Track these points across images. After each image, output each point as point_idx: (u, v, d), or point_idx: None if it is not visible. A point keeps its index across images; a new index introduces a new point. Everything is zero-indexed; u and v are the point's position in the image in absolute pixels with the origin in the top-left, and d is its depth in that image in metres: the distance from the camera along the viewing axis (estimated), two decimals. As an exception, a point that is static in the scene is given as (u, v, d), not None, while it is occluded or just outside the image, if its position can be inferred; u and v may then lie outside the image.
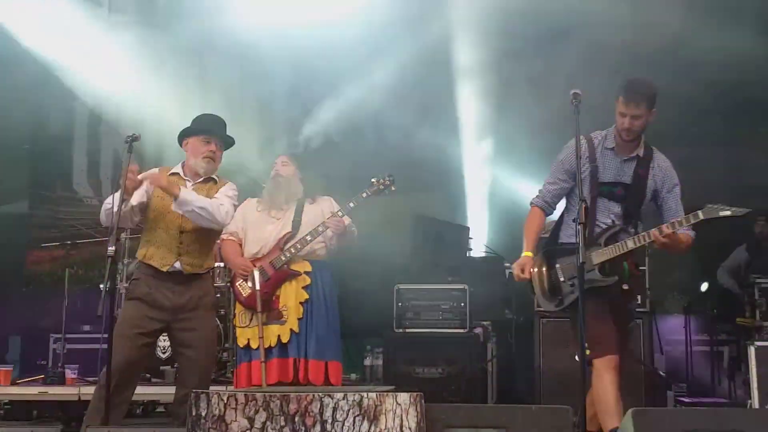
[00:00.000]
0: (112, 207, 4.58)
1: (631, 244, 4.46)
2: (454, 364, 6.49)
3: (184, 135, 5.06)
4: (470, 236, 8.06)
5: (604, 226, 4.60)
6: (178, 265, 4.84)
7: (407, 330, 6.63)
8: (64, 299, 7.71)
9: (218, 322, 7.21)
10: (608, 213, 4.63)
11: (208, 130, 5.00)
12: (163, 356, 7.10)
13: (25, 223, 9.50)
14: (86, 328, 8.30)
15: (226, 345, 7.20)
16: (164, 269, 4.82)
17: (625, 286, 4.56)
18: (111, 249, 4.80)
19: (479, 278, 7.17)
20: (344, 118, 8.28)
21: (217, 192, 5.00)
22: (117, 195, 4.60)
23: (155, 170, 4.93)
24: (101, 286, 7.55)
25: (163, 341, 7.11)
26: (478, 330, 6.80)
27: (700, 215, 4.25)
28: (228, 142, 5.14)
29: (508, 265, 7.68)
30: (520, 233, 7.34)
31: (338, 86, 8.15)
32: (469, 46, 8.50)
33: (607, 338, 4.46)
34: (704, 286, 8.03)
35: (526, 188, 8.45)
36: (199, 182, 5.01)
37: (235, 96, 9.59)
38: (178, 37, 8.74)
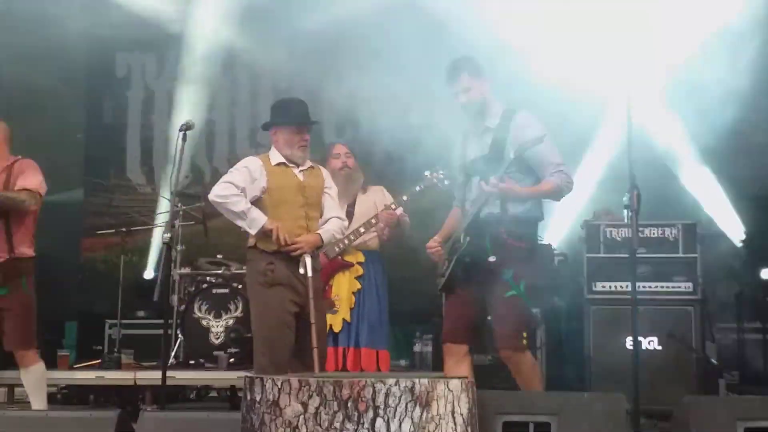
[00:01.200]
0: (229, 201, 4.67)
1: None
2: (503, 351, 6.49)
3: (273, 125, 5.01)
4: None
5: None
6: None
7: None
8: (118, 285, 7.83)
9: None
10: None
11: (302, 122, 4.96)
12: (216, 342, 7.20)
13: (80, 211, 9.68)
14: (140, 313, 8.42)
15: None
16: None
17: (492, 258, 4.50)
18: (166, 236, 4.92)
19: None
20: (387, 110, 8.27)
21: (323, 178, 5.03)
22: (221, 188, 4.66)
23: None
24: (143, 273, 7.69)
25: (216, 326, 7.23)
26: (528, 317, 6.77)
27: None
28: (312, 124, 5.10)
29: (557, 251, 7.67)
30: (572, 221, 7.34)
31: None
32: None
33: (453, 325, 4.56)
34: (765, 273, 7.90)
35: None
36: (304, 169, 5.00)
37: (283, 83, 9.68)
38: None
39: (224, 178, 4.83)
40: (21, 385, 6.61)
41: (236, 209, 4.72)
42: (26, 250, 5.52)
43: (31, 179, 5.49)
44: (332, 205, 5.01)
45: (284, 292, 4.74)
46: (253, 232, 4.72)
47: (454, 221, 4.84)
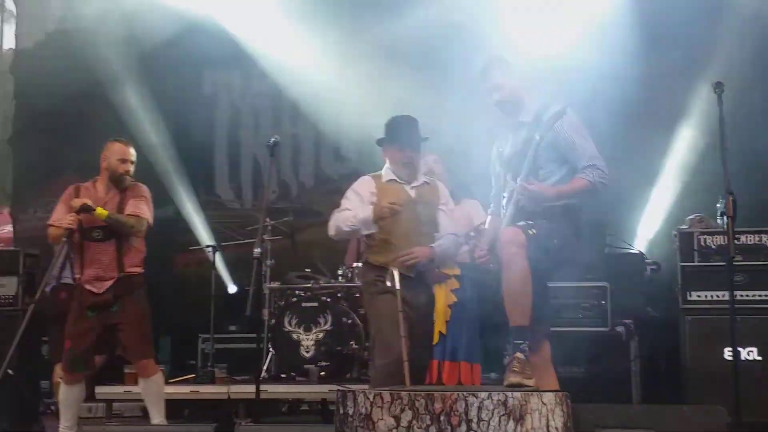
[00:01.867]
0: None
1: None
2: (596, 363, 6.39)
3: (379, 143, 5.14)
4: (608, 232, 7.91)
5: None
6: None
7: (547, 328, 6.56)
8: (210, 300, 7.95)
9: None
10: None
11: (400, 140, 5.02)
12: (307, 355, 7.25)
13: (172, 227, 9.88)
14: (232, 328, 8.54)
15: (367, 344, 7.29)
16: (411, 273, 4.86)
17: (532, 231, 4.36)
18: (257, 251, 4.99)
19: (619, 275, 7.02)
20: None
21: (438, 195, 5.09)
22: (333, 219, 4.81)
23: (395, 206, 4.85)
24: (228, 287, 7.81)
25: (306, 340, 7.28)
26: (620, 328, 6.66)
27: None
28: (423, 140, 5.11)
29: (648, 261, 7.51)
30: (660, 228, 7.16)
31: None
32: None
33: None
34: None
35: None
36: (417, 185, 5.07)
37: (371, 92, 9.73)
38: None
39: (339, 209, 4.97)
40: (119, 400, 6.79)
41: (348, 227, 4.84)
42: (136, 269, 5.70)
43: (143, 207, 5.66)
44: (447, 222, 5.06)
45: (394, 300, 4.75)
46: (370, 229, 4.82)
47: (492, 229, 4.76)
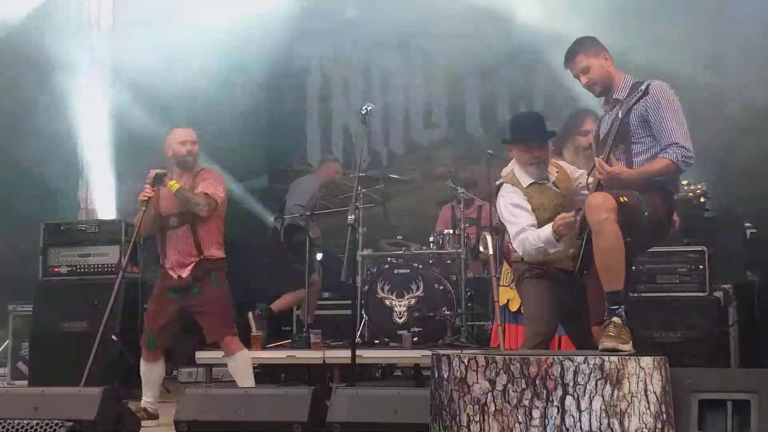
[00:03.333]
0: None
1: None
2: (693, 328, 6.28)
3: (505, 143, 4.96)
4: (707, 196, 7.74)
5: None
6: None
7: (642, 294, 6.49)
8: (304, 268, 8.07)
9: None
10: None
11: (524, 139, 4.82)
12: (400, 321, 7.32)
13: (266, 197, 10.05)
14: (326, 294, 8.66)
15: (458, 310, 7.31)
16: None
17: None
18: (351, 218, 5.05)
19: (718, 239, 6.88)
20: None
21: (568, 174, 4.91)
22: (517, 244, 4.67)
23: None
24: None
25: (399, 306, 7.35)
26: (719, 293, 6.54)
27: None
28: (549, 136, 4.92)
29: (748, 225, 7.34)
30: (760, 193, 6.97)
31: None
32: None
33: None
34: None
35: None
36: (554, 179, 4.89)
37: (456, 63, 9.70)
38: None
39: (513, 230, 4.72)
40: (218, 365, 6.98)
41: (536, 251, 4.61)
42: (215, 252, 5.79)
43: (212, 187, 5.74)
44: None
45: (546, 281, 4.71)
46: (557, 247, 4.54)
47: None
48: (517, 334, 5.54)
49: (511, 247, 4.81)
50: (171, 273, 5.75)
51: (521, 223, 4.67)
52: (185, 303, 5.73)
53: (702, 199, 5.94)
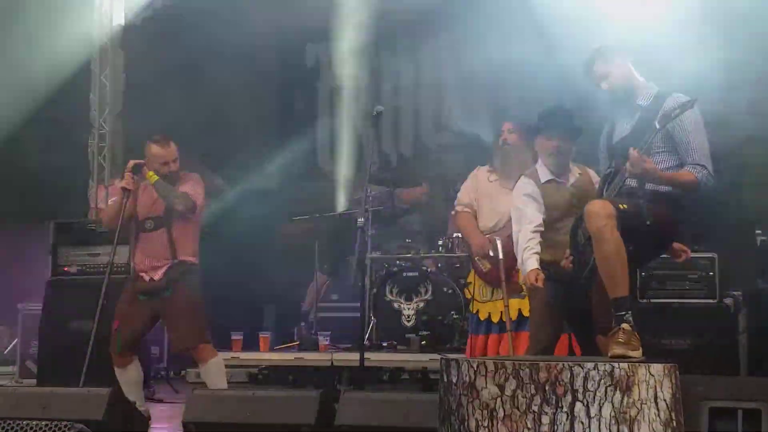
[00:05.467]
0: None
1: None
2: (702, 335, 6.27)
3: (532, 135, 5.03)
4: (717, 202, 7.72)
5: None
6: None
7: (652, 300, 6.47)
8: (314, 269, 8.08)
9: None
10: None
11: (548, 127, 4.89)
12: (408, 324, 7.32)
13: (276, 199, 10.04)
14: (334, 297, 8.66)
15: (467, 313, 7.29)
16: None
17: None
18: (360, 220, 5.05)
19: (728, 246, 6.85)
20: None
21: (593, 182, 4.90)
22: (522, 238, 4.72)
23: None
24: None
25: (407, 309, 7.34)
26: (729, 300, 6.52)
27: None
28: (575, 133, 4.95)
29: (759, 232, 7.31)
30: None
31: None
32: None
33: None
34: None
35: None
36: (573, 182, 4.92)
37: (467, 65, 9.70)
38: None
39: (519, 224, 4.80)
40: (227, 366, 6.97)
41: (518, 246, 4.72)
42: (189, 257, 5.70)
43: (190, 187, 5.67)
44: None
45: (551, 287, 4.72)
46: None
47: None
48: (499, 343, 5.51)
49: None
50: (143, 276, 5.64)
51: (527, 215, 4.75)
52: (156, 307, 5.63)
53: None
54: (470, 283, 5.70)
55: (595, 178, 4.92)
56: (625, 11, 7.65)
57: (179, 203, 5.55)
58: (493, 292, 5.47)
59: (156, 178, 5.56)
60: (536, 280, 4.61)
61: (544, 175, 4.87)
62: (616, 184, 4.34)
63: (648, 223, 4.18)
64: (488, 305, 5.50)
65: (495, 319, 5.43)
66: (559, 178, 4.86)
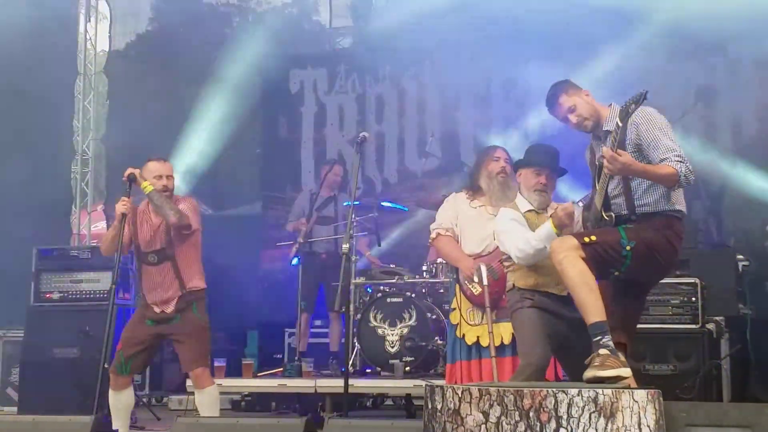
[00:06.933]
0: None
1: None
2: (686, 361, 6.28)
3: (517, 166, 5.04)
4: (698, 228, 7.77)
5: None
6: None
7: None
8: (297, 296, 8.06)
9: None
10: None
11: (539, 163, 4.90)
12: (392, 350, 7.30)
13: (259, 224, 10.04)
14: (317, 323, 8.64)
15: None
16: (563, 293, 4.68)
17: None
18: (345, 247, 5.04)
19: (710, 271, 6.89)
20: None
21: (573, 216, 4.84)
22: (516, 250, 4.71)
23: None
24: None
25: (391, 335, 7.33)
26: (711, 326, 6.54)
27: None
28: (560, 172, 4.98)
29: (740, 257, 7.35)
30: (753, 226, 7.00)
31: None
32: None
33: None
34: None
35: (758, 179, 8.12)
36: (543, 213, 4.91)
37: (451, 88, 9.77)
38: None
39: (514, 236, 4.78)
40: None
41: (537, 245, 4.65)
42: (197, 283, 5.68)
43: (184, 206, 5.64)
44: None
45: (542, 313, 4.71)
46: (547, 243, 4.56)
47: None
48: (480, 369, 5.51)
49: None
50: (154, 308, 5.62)
51: (520, 230, 4.75)
52: (163, 331, 5.62)
53: None
54: (455, 309, 5.69)
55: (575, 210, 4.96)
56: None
57: (173, 215, 5.51)
58: (482, 316, 5.45)
59: (151, 188, 5.52)
60: (565, 215, 4.56)
61: (524, 205, 4.91)
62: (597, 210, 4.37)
63: (629, 248, 4.21)
64: (477, 329, 5.49)
65: (484, 343, 5.42)
66: (539, 209, 4.89)
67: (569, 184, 5.48)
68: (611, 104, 4.57)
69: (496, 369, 5.12)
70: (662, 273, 4.68)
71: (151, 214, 5.69)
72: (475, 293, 5.45)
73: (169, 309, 5.59)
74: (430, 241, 5.77)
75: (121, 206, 5.54)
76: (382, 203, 8.32)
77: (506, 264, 5.00)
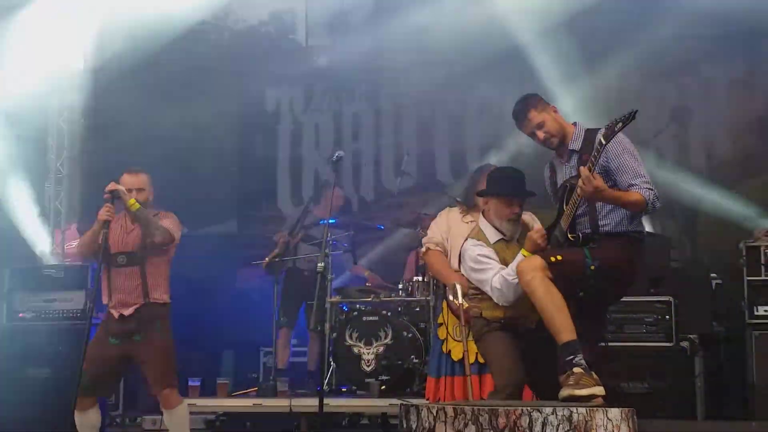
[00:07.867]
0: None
1: None
2: (660, 378, 6.31)
3: (481, 194, 4.98)
4: (672, 246, 7.83)
5: None
6: None
7: (610, 343, 6.51)
8: (272, 314, 8.03)
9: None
10: None
11: (511, 193, 4.82)
12: (368, 369, 7.28)
13: (235, 242, 10.00)
14: (293, 341, 8.61)
15: (427, 358, 7.29)
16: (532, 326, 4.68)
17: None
18: (320, 265, 5.04)
19: (684, 289, 6.94)
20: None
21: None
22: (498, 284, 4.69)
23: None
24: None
25: (367, 354, 7.31)
26: (685, 343, 6.58)
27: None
28: (528, 195, 4.90)
29: (713, 275, 7.41)
30: (726, 245, 7.06)
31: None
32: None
33: None
34: None
35: (731, 198, 8.20)
36: (513, 243, 4.87)
37: (427, 106, 9.81)
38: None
39: (488, 275, 4.76)
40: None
41: (513, 281, 4.59)
42: (161, 296, 5.64)
43: (169, 224, 5.64)
44: None
45: (506, 333, 4.75)
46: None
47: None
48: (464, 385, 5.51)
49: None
50: (113, 312, 5.56)
51: (494, 267, 4.72)
52: (128, 351, 5.55)
53: None
54: (441, 324, 5.68)
55: (532, 223, 4.97)
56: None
57: (159, 235, 5.51)
58: (469, 332, 5.44)
59: (138, 206, 5.50)
60: (540, 238, 4.54)
61: (493, 236, 4.86)
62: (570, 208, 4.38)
63: (593, 267, 4.24)
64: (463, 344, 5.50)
65: (471, 359, 5.43)
66: (509, 238, 4.87)
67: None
68: (575, 123, 4.61)
69: (478, 386, 5.12)
70: (621, 292, 4.72)
71: (127, 221, 5.67)
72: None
73: (128, 312, 5.51)
74: (421, 254, 5.75)
75: (105, 213, 5.47)
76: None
77: (473, 292, 4.96)
